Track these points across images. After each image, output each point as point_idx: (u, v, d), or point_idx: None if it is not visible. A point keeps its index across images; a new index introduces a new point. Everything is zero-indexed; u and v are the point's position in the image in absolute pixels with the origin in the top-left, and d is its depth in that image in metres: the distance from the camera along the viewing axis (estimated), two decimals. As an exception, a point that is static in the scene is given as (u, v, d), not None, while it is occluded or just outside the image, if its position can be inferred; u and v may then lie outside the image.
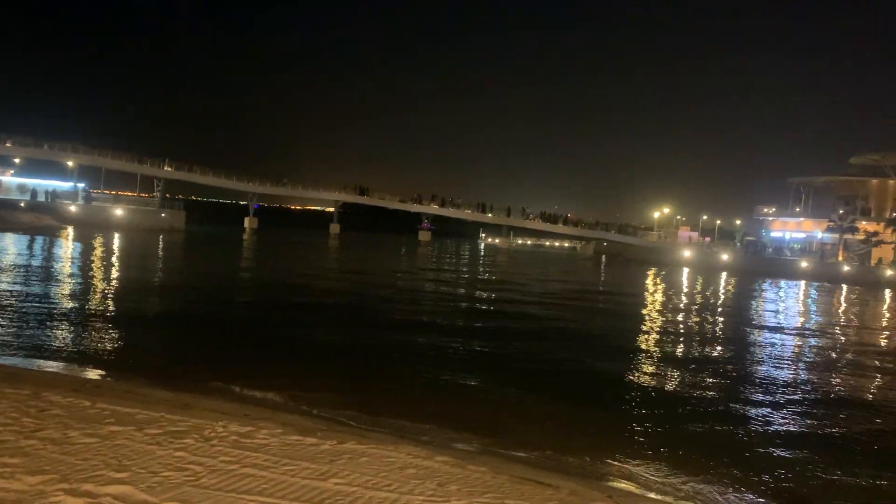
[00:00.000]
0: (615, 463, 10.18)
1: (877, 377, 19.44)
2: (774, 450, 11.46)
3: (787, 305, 40.60)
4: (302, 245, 67.51)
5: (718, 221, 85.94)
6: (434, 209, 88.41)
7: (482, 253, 77.24)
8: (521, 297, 32.79)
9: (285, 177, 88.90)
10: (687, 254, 72.67)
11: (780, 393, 15.88)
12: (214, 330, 18.95)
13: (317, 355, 16.47)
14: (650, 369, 17.66)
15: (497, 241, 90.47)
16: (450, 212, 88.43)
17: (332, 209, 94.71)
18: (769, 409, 14.19)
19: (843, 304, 43.30)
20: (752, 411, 14.02)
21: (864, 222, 70.26)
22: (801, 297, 46.98)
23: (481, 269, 54.58)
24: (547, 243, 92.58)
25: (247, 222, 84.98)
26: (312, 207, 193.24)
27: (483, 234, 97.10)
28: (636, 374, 16.71)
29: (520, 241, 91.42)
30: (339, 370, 14.82)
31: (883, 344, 26.89)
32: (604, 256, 80.00)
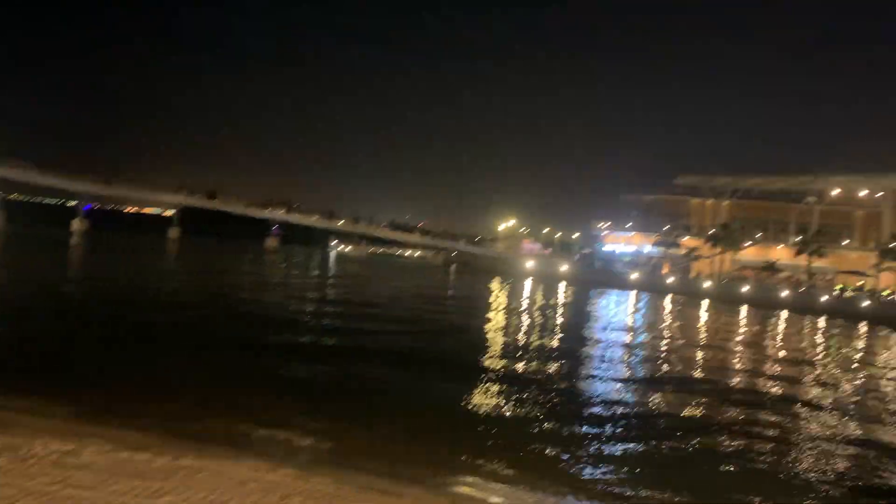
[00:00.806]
0: (459, 470, 10.41)
1: (698, 374, 21.37)
2: (608, 450, 12.26)
3: (617, 313, 43.62)
4: (128, 250, 62.98)
5: (559, 234, 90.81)
6: (280, 215, 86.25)
7: (330, 261, 76.45)
8: (367, 302, 32.80)
9: (125, 175, 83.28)
10: (530, 265, 75.91)
11: (611, 393, 17.00)
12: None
13: (149, 370, 15.53)
14: (494, 375, 18.23)
15: (349, 249, 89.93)
16: (296, 218, 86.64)
17: (171, 212, 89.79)
18: (602, 409, 15.20)
19: (667, 312, 47.10)
20: (586, 411, 14.97)
21: (686, 238, 76.82)
22: (631, 306, 50.61)
23: (321, 277, 53.96)
24: (398, 252, 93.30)
25: (75, 224, 78.51)
26: (149, 211, 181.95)
27: (335, 243, 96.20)
28: (481, 379, 17.17)
29: (371, 250, 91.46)
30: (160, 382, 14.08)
31: (700, 345, 29.53)
32: (453, 266, 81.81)
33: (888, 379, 25.28)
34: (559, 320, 36.35)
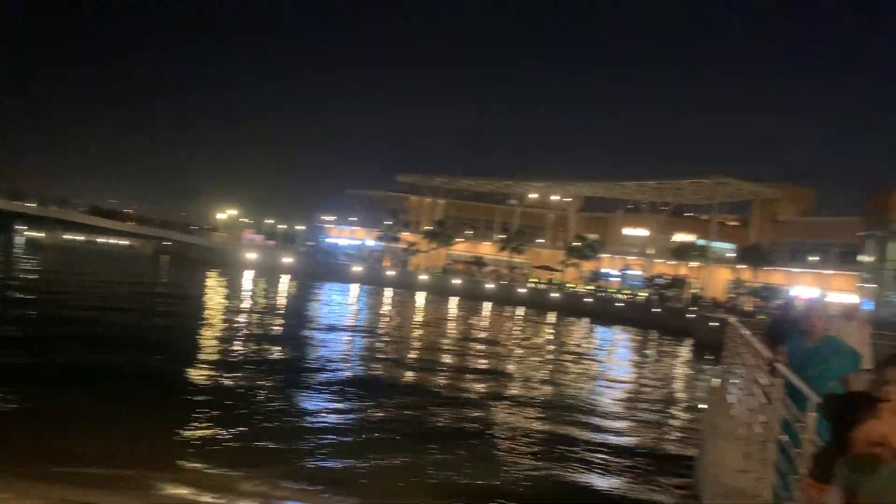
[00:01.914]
0: (170, 471, 9.41)
1: (411, 364, 22.20)
2: (328, 439, 12.03)
3: (340, 305, 44.01)
4: None
5: (282, 226, 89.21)
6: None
7: (14, 249, 66.50)
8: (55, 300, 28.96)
9: None
10: (251, 256, 73.54)
11: (332, 385, 16.82)
12: None
13: None
14: (210, 372, 17.09)
15: (42, 235, 79.00)
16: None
17: None
18: (321, 402, 14.95)
19: (386, 304, 48.70)
20: (307, 405, 14.62)
21: (405, 233, 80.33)
22: (353, 298, 51.45)
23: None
24: (101, 240, 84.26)
25: None
26: None
27: (22, 227, 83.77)
28: (196, 377, 15.98)
29: (67, 237, 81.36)
30: None
31: (414, 335, 30.87)
32: (165, 256, 76.09)
33: (570, 358, 28.75)
34: (279, 315, 35.59)
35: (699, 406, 18.04)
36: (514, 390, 18.94)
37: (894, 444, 2.22)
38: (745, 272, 63.87)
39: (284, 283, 56.77)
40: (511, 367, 23.77)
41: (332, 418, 13.52)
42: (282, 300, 42.08)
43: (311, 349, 22.93)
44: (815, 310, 5.99)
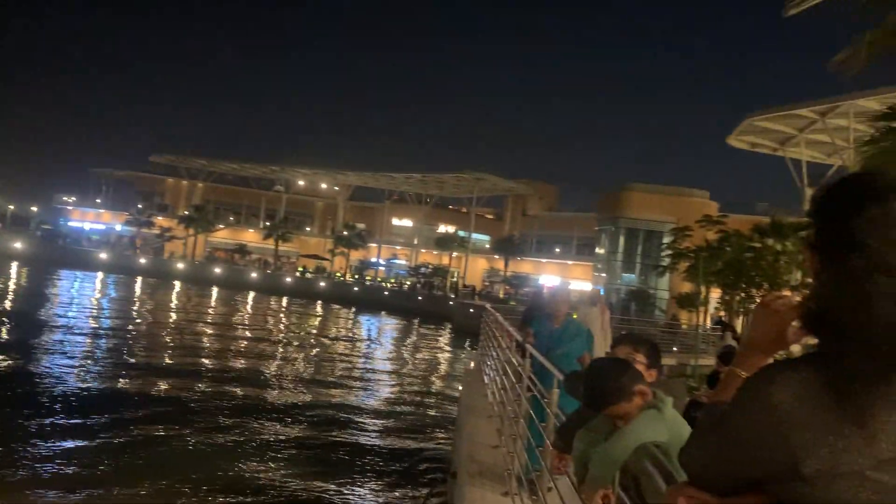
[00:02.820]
0: None
1: (166, 356, 20.65)
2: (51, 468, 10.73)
3: (81, 296, 39.67)
4: None
5: (12, 207, 78.31)
6: None
7: None
8: None
9: None
10: (-30, 240, 63.67)
11: (64, 401, 15.03)
12: None
13: None
14: None
15: None
16: None
17: None
18: (47, 422, 13.26)
19: (136, 295, 44.90)
20: (30, 426, 12.90)
21: (160, 217, 74.60)
22: (98, 288, 46.73)
23: None
24: None
25: None
26: None
27: None
28: None
29: None
30: None
31: (167, 332, 28.81)
32: None
33: (334, 348, 28.80)
34: (8, 306, 31.26)
35: (458, 388, 19.00)
36: (275, 389, 18.42)
37: (632, 417, 2.41)
38: (500, 262, 68.63)
39: (14, 273, 49.86)
40: (273, 361, 23.14)
41: (63, 442, 11.45)
42: (7, 294, 36.82)
43: (39, 355, 19.39)
44: (559, 295, 6.50)
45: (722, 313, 35.05)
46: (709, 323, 33.57)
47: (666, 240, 39.12)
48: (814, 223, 1.26)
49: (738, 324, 31.67)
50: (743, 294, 29.67)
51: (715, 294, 37.75)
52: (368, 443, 13.30)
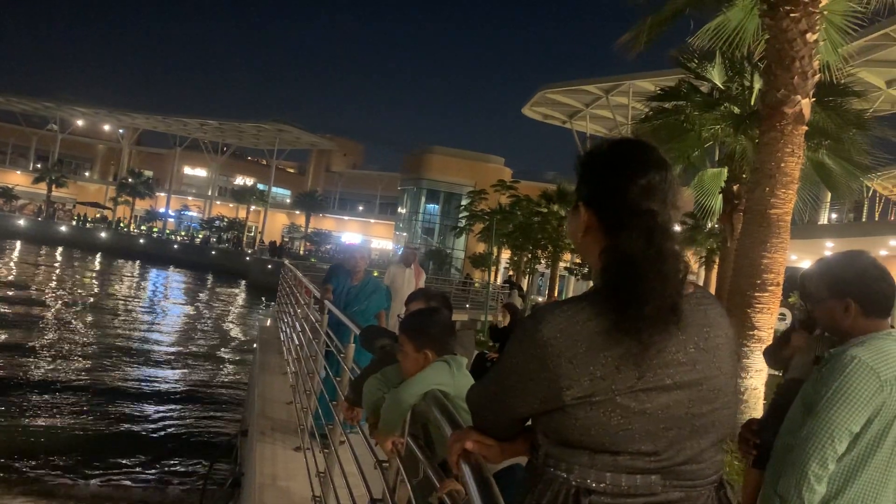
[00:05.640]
0: None
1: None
2: None
3: None
4: None
5: None
6: None
7: None
8: None
9: None
10: None
11: None
12: None
13: None
14: None
15: None
16: None
17: None
18: None
19: None
20: None
21: None
22: None
23: None
24: None
25: None
26: None
27: None
28: None
29: None
30: None
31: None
32: None
33: (117, 305, 26.73)
34: None
35: (253, 346, 18.49)
36: (44, 359, 16.67)
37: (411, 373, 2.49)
38: (301, 218, 67.33)
39: None
40: (41, 324, 20.91)
41: None
42: None
43: None
44: (359, 253, 6.52)
45: (511, 272, 37.45)
46: (500, 281, 35.66)
47: (464, 202, 40.73)
48: (590, 182, 1.35)
49: (525, 283, 34.07)
50: (530, 255, 31.88)
51: (506, 255, 40.02)
52: (154, 414, 12.47)
